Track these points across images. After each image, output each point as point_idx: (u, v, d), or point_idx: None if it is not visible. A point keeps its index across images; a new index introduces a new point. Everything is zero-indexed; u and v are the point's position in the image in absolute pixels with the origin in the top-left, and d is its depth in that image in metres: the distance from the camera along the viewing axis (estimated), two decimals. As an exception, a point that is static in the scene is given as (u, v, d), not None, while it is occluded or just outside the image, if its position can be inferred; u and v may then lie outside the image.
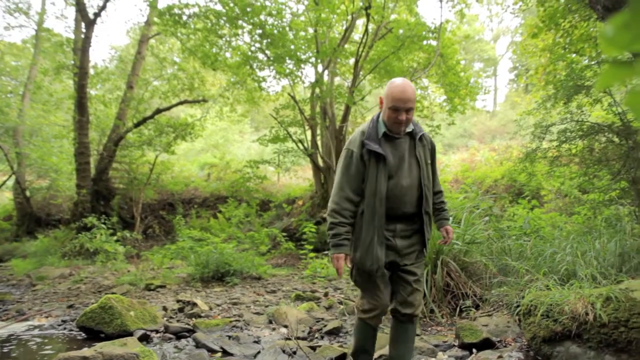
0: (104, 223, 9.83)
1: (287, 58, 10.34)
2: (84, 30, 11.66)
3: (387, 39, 11.19)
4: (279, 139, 12.28)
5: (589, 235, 4.40)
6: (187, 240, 8.26)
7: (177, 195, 14.12)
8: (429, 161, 2.52)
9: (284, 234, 10.21)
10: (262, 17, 10.17)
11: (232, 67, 11.48)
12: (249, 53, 11.10)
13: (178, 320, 4.55)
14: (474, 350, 3.19)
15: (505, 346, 3.26)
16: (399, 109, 2.32)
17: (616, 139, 5.79)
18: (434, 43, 11.10)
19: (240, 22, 10.46)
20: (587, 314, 2.61)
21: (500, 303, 3.90)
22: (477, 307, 4.05)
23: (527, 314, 2.99)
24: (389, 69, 11.44)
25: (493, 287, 4.05)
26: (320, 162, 11.71)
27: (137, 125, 12.75)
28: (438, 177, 2.65)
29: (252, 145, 18.66)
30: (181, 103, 14.10)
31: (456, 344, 3.38)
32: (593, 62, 6.30)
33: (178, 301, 5.42)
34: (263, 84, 11.63)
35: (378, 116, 2.49)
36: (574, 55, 7.90)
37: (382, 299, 2.47)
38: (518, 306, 3.27)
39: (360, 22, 12.57)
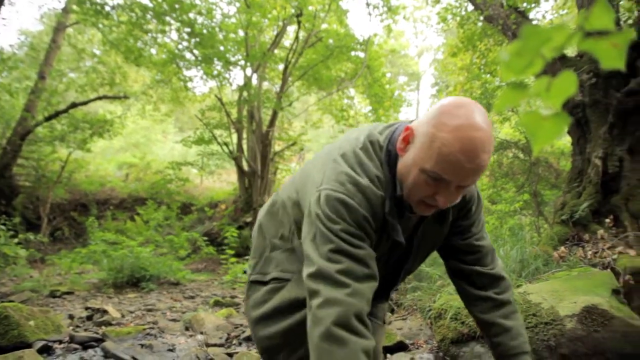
0: (4, 224, 8.97)
1: (215, 59, 10.15)
2: (-11, 12, 10.66)
3: (317, 48, 11.37)
4: (204, 141, 12.00)
5: (495, 243, 4.74)
6: (100, 243, 7.77)
7: (91, 195, 13.27)
8: (436, 243, 1.44)
9: (205, 238, 9.95)
10: (191, 15, 9.91)
11: (157, 64, 11.05)
12: (176, 51, 10.75)
13: (86, 329, 4.26)
14: (388, 354, 3.30)
15: (417, 348, 3.41)
16: (448, 183, 1.13)
17: (521, 155, 6.32)
18: (361, 55, 11.44)
19: (167, 18, 10.11)
20: (490, 317, 2.80)
21: (415, 307, 4.08)
22: (392, 312, 4.20)
23: (437, 317, 3.15)
24: (318, 77, 11.63)
25: (408, 292, 4.23)
26: (245, 166, 11.60)
27: (48, 119, 11.81)
28: (493, 260, 1.47)
29: (175, 146, 18.01)
30: (100, 98, 13.29)
31: (372, 347, 3.47)
32: (503, 84, 6.83)
33: (87, 308, 5.09)
34: (189, 84, 11.35)
35: (395, 159, 1.24)
36: (488, 75, 8.51)
37: None
38: (430, 310, 3.43)
39: (292, 29, 12.65)
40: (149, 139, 20.96)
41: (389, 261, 1.35)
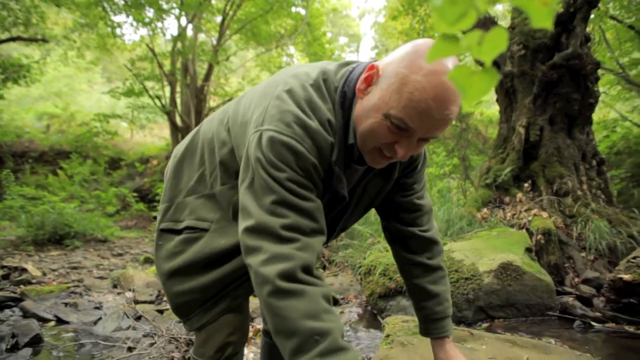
0: None
1: (147, 5, 9.49)
2: None
3: (257, 1, 10.95)
4: (134, 93, 11.36)
5: (424, 204, 4.95)
6: (17, 198, 7.26)
7: (6, 147, 12.26)
8: (376, 199, 1.33)
9: (135, 194, 9.60)
10: (119, -47, 9.13)
11: (81, 5, 10.15)
12: (102, -7, 9.92)
13: (1, 289, 4.03)
14: (319, 309, 3.41)
15: (347, 303, 3.55)
16: (412, 134, 1.00)
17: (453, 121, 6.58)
18: (302, 11, 11.18)
19: (92, -45, 9.26)
20: (416, 273, 2.95)
21: (346, 264, 4.22)
22: (324, 268, 4.32)
23: (367, 274, 3.28)
24: (256, 32, 11.27)
25: (340, 249, 4.35)
26: (179, 121, 11.18)
27: (-48, 59, 10.62)
28: (430, 221, 1.40)
29: (102, 97, 16.88)
30: (13, 39, 12.04)
31: (303, 303, 3.57)
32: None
33: (2, 267, 4.79)
34: (118, 31, 10.56)
35: (350, 103, 1.09)
36: (425, 41, 8.64)
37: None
38: (360, 266, 3.56)
39: (230, -22, 12.05)
40: (72, 89, 19.48)
41: (327, 216, 1.16)
